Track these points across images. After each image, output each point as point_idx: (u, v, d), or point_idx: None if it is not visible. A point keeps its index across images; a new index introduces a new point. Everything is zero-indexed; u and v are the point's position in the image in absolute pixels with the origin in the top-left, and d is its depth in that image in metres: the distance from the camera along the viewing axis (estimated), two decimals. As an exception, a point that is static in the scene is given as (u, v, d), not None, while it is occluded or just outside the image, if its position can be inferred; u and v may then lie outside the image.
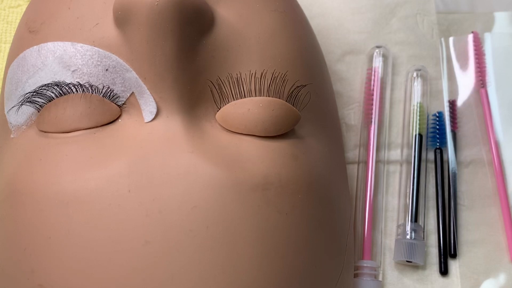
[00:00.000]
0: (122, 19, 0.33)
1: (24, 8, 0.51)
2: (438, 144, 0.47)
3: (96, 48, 0.34)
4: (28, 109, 0.35)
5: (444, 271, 0.44)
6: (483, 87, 0.49)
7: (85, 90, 0.34)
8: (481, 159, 0.47)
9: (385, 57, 0.49)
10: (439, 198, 0.46)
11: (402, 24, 0.51)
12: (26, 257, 0.31)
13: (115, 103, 0.34)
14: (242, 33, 0.35)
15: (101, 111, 0.34)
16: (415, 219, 0.44)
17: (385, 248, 0.45)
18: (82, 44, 0.34)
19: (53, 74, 0.34)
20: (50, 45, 0.34)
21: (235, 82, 0.35)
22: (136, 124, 0.34)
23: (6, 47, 0.50)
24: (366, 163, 0.46)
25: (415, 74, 0.49)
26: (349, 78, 0.50)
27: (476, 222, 0.45)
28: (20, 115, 0.35)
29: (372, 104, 0.47)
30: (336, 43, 0.51)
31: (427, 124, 0.48)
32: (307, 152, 0.36)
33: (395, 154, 0.47)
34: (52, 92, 0.34)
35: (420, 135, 0.47)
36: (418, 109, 0.47)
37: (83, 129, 0.33)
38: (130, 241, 0.30)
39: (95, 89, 0.34)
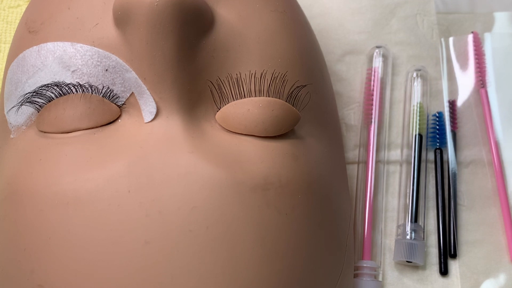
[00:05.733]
0: (121, 19, 0.33)
1: (24, 8, 0.51)
2: (438, 144, 0.47)
3: (95, 48, 0.34)
4: (27, 109, 0.35)
5: (444, 271, 0.44)
6: (483, 87, 0.49)
7: (85, 90, 0.34)
8: (481, 159, 0.47)
9: (385, 57, 0.49)
10: (439, 198, 0.46)
11: (402, 24, 0.51)
12: (26, 258, 0.31)
13: (115, 103, 0.34)
14: (242, 33, 0.35)
15: (101, 111, 0.34)
16: (415, 219, 0.44)
17: (385, 248, 0.45)
18: (81, 45, 0.34)
19: (53, 75, 0.34)
20: (50, 45, 0.34)
21: (235, 82, 0.35)
22: (136, 124, 0.34)
23: (6, 47, 0.50)
24: (366, 163, 0.46)
25: (415, 74, 0.49)
26: (349, 78, 0.50)
27: (476, 222, 0.45)
28: (20, 115, 0.35)
29: (372, 104, 0.47)
30: (336, 43, 0.51)
31: (427, 124, 0.48)
32: (307, 152, 0.36)
33: (395, 154, 0.47)
34: (52, 93, 0.34)
35: (420, 135, 0.47)
36: (418, 109, 0.47)
37: (83, 129, 0.33)
38: (130, 242, 0.30)
39: (95, 89, 0.34)
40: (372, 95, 0.48)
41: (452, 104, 0.48)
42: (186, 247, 0.30)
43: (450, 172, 0.46)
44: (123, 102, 0.34)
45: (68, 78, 0.34)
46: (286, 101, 0.35)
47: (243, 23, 0.36)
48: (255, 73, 0.35)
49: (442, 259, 0.44)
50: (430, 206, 0.46)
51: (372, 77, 0.48)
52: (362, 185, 0.45)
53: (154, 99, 0.34)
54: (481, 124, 0.48)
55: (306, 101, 0.37)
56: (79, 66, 0.34)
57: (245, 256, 0.31)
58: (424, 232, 0.44)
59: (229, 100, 0.35)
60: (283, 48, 0.36)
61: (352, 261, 0.40)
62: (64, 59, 0.34)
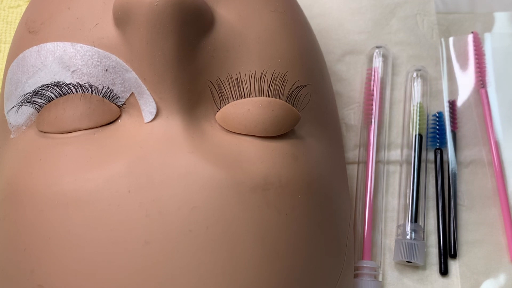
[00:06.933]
0: (121, 20, 0.33)
1: (23, 8, 0.51)
2: (438, 144, 0.47)
3: (95, 48, 0.34)
4: (27, 110, 0.35)
5: (444, 271, 0.44)
6: (483, 87, 0.49)
7: (85, 90, 0.34)
8: (481, 159, 0.47)
9: (385, 57, 0.49)
10: (439, 198, 0.46)
11: (402, 24, 0.51)
12: (26, 258, 0.31)
13: (115, 104, 0.34)
14: (242, 33, 0.35)
15: (101, 111, 0.34)
16: (415, 219, 0.44)
17: (385, 248, 0.45)
18: (81, 45, 0.34)
19: (53, 75, 0.34)
20: (49, 45, 0.34)
21: (235, 82, 0.35)
22: (136, 124, 0.34)
23: (6, 47, 0.50)
24: (366, 163, 0.46)
25: (415, 74, 0.49)
26: (349, 78, 0.50)
27: (476, 222, 0.45)
28: (20, 116, 0.35)
29: (372, 104, 0.47)
30: (336, 43, 0.51)
31: (427, 124, 0.48)
32: (307, 153, 0.36)
33: (395, 154, 0.47)
34: (52, 93, 0.34)
35: (420, 135, 0.47)
36: (418, 109, 0.47)
37: (83, 130, 0.33)
38: (130, 242, 0.30)
39: (94, 90, 0.34)
40: (372, 95, 0.48)
41: (452, 104, 0.48)
42: (186, 247, 0.30)
43: (450, 172, 0.46)
44: (123, 102, 0.34)
45: (68, 78, 0.34)
46: (286, 101, 0.35)
47: (243, 23, 0.36)
48: (255, 73, 0.35)
49: (442, 259, 0.44)
50: (430, 206, 0.46)
51: (372, 77, 0.48)
52: (362, 185, 0.45)
53: (154, 99, 0.34)
54: (481, 124, 0.48)
55: (306, 101, 0.37)
56: (79, 66, 0.34)
57: (245, 256, 0.31)
58: (424, 232, 0.44)
59: (229, 100, 0.35)
60: (283, 48, 0.36)
61: (352, 261, 0.40)
62: (64, 59, 0.34)
